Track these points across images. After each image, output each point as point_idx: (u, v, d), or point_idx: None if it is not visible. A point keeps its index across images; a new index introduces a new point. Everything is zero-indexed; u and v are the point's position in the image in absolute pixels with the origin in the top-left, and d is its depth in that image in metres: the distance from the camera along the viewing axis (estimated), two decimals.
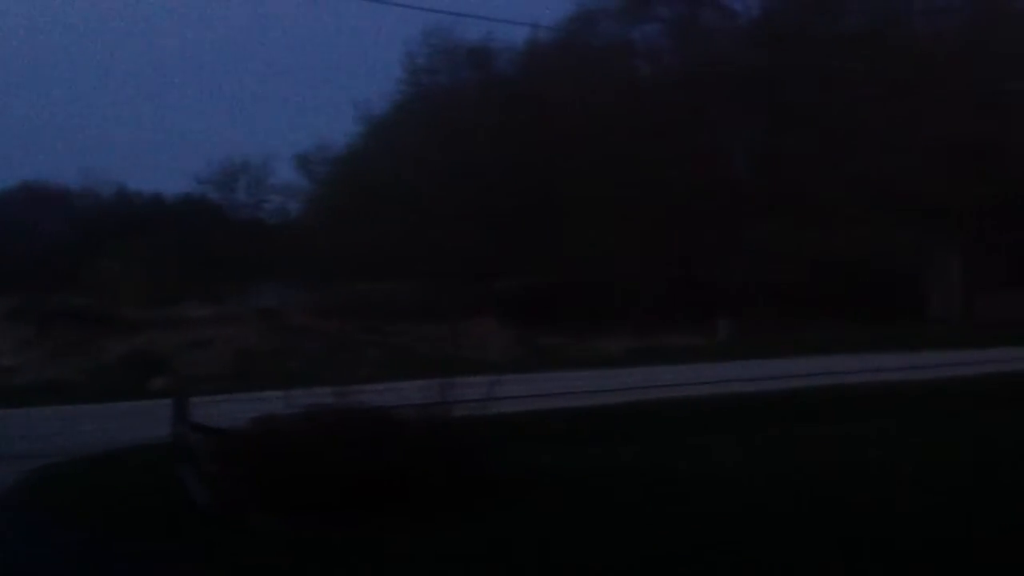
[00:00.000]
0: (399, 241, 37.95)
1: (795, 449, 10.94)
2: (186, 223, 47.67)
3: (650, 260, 35.92)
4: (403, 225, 37.89)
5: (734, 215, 34.62)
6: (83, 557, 7.45)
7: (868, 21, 36.46)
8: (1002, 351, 23.87)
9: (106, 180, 52.59)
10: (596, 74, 38.17)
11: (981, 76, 34.87)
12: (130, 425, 13.57)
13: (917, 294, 38.09)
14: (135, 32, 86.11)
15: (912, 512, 7.58)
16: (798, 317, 32.43)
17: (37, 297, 29.33)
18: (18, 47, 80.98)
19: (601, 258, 35.57)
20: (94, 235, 44.59)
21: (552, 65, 39.67)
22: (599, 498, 8.38)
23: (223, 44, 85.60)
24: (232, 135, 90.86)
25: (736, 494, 8.46)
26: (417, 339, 28.67)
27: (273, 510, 7.71)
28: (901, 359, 22.46)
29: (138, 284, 36.89)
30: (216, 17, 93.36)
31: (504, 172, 36.98)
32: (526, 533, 7.28)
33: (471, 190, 37.40)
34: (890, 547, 6.64)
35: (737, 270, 34.84)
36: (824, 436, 11.87)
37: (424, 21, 42.23)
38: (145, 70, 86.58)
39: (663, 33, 38.90)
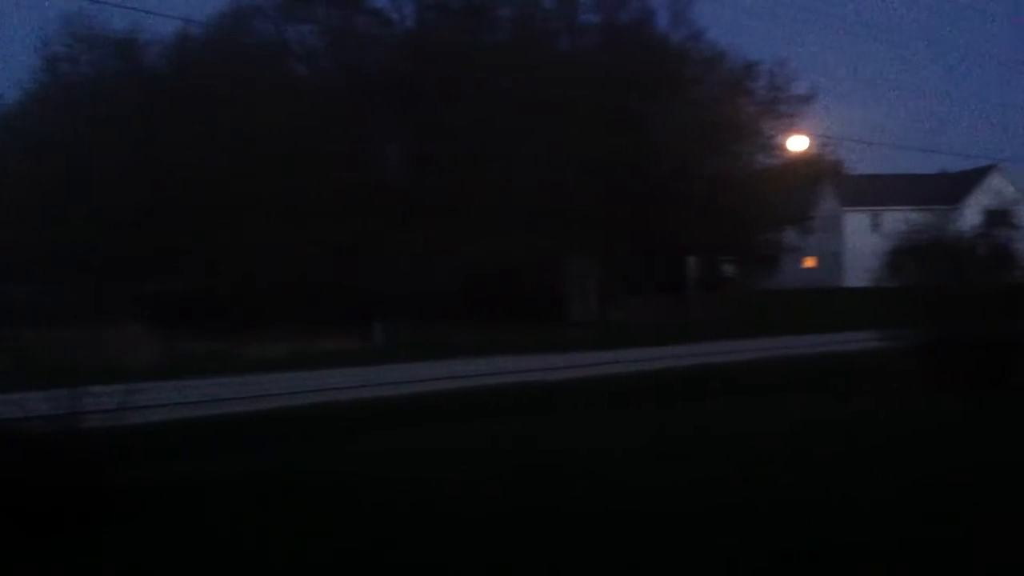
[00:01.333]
0: (31, 240, 35.22)
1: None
2: None
3: (307, 264, 35.68)
4: (35, 223, 35.21)
5: (390, 221, 35.13)
6: None
7: (515, 38, 38.31)
8: (631, 351, 26.33)
9: None
10: (249, 73, 37.48)
11: (614, 96, 37.67)
12: None
13: (560, 300, 40.57)
14: None
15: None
16: (451, 321, 33.49)
17: None
18: None
19: (256, 262, 34.92)
20: None
21: (203, 61, 38.46)
22: (219, 509, 8.16)
23: None
24: None
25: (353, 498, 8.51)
26: (51, 345, 26.72)
27: None
28: (539, 361, 23.87)
29: None
30: None
31: (148, 170, 35.34)
32: (129, 549, 6.98)
33: (109, 188, 35.41)
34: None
35: (393, 275, 35.38)
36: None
37: (64, 6, 39.52)
38: None
39: (319, 36, 38.75)
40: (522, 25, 38.82)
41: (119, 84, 39.57)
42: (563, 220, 35.41)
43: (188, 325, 30.91)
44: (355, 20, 37.86)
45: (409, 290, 35.08)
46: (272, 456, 10.92)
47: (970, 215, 37.81)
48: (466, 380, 19.67)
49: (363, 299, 34.86)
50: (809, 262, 69.82)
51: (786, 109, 42.98)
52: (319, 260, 35.51)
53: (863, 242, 53.71)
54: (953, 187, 62.35)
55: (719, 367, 21.53)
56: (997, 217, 34.05)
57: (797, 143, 46.55)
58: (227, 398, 17.27)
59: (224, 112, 34.93)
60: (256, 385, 19.34)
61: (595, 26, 41.66)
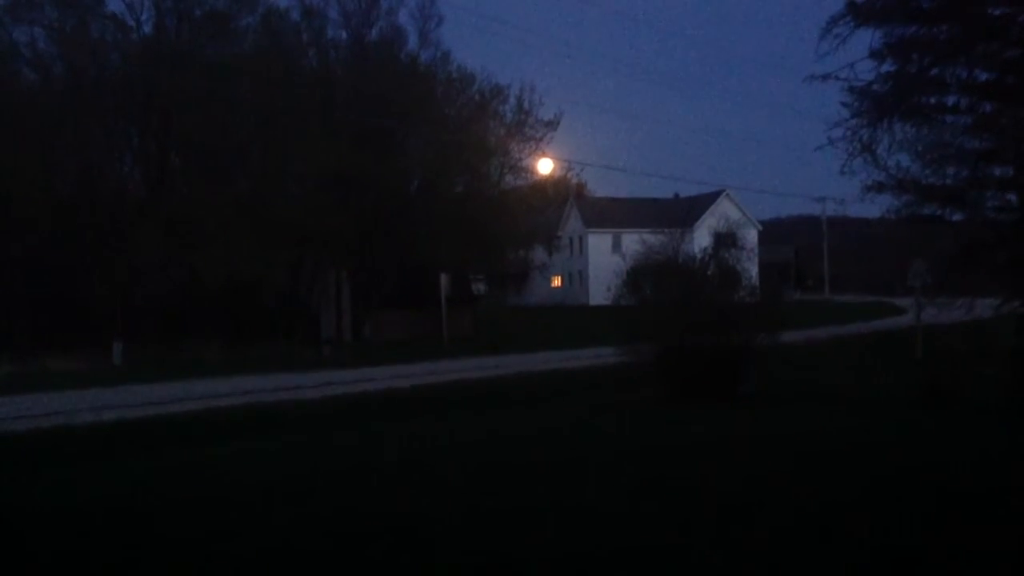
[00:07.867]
0: None
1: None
2: None
3: (32, 280, 33.47)
4: None
5: (127, 236, 33.43)
6: None
7: (258, 49, 37.39)
8: (378, 369, 26.27)
9: None
10: None
11: (363, 112, 37.46)
12: None
13: (313, 317, 39.89)
14: None
15: None
16: (194, 340, 32.24)
17: None
18: None
19: None
20: None
21: None
22: None
23: None
24: None
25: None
26: None
27: None
28: (276, 380, 23.26)
29: None
30: None
31: None
32: None
33: None
34: None
35: (131, 293, 33.71)
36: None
37: None
38: None
39: (50, 40, 36.41)
40: (267, 37, 37.94)
41: None
42: (309, 235, 34.85)
43: None
44: (89, 24, 35.81)
45: (151, 308, 33.51)
46: None
47: (701, 237, 40.17)
48: (170, 406, 18.48)
49: (104, 318, 33.01)
50: (557, 281, 72.10)
51: (532, 132, 44.15)
52: (49, 276, 33.38)
53: (605, 262, 55.88)
54: (686, 210, 66.13)
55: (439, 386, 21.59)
56: (724, 239, 36.25)
57: (544, 165, 47.93)
58: None
59: None
60: None
61: (344, 42, 41.42)
